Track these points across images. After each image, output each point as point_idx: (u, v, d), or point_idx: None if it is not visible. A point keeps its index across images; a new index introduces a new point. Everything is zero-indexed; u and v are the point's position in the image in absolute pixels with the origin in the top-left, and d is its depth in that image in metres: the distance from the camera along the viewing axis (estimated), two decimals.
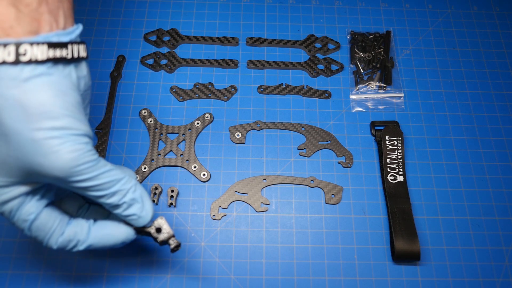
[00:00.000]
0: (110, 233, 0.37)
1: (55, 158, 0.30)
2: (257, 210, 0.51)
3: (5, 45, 0.27)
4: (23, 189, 0.33)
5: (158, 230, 0.39)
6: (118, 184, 0.35)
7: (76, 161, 0.31)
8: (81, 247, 0.37)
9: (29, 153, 0.30)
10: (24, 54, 0.28)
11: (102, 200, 0.35)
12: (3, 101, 0.28)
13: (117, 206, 0.35)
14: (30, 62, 0.28)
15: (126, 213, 0.36)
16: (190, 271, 0.47)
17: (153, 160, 0.53)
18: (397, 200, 0.50)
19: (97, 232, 0.37)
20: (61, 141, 0.30)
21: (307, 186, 0.52)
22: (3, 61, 0.27)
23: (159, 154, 0.53)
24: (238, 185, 0.52)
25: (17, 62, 0.28)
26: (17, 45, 0.28)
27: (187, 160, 0.53)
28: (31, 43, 0.28)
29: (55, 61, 0.30)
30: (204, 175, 0.52)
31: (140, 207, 0.36)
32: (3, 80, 0.28)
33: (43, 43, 0.29)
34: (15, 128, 0.29)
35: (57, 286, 0.46)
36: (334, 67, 0.60)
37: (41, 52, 0.29)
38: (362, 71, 0.60)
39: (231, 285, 0.47)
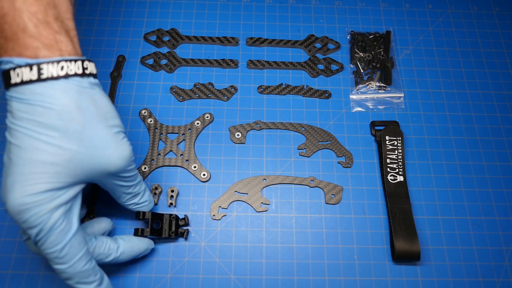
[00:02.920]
0: (135, 243, 0.44)
1: (123, 149, 0.38)
2: (257, 210, 0.51)
3: (75, 61, 0.35)
4: (72, 192, 0.36)
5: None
6: (139, 175, 0.43)
7: (132, 151, 0.39)
8: (111, 258, 0.42)
9: (102, 146, 0.36)
10: (87, 68, 0.36)
11: (132, 190, 0.42)
12: (83, 103, 0.35)
13: (138, 194, 0.43)
14: (90, 74, 0.36)
15: (142, 200, 0.44)
16: (190, 271, 0.47)
17: (153, 160, 0.53)
18: (397, 200, 0.50)
19: (126, 244, 0.43)
20: (124, 135, 0.39)
21: (307, 186, 0.52)
22: (75, 73, 0.35)
23: (159, 154, 0.53)
24: (238, 185, 0.52)
25: (83, 74, 0.36)
26: (82, 61, 0.36)
27: (187, 160, 0.53)
28: (88, 60, 0.37)
29: (96, 75, 0.38)
30: (204, 175, 0.52)
31: (149, 194, 0.46)
32: (79, 87, 0.35)
33: (90, 60, 0.37)
34: (93, 125, 0.35)
35: (57, 286, 0.46)
36: (334, 67, 0.60)
37: (93, 68, 0.37)
38: (362, 71, 0.60)
39: (231, 285, 0.47)
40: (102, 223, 0.45)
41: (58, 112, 0.34)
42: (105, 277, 0.40)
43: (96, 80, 0.37)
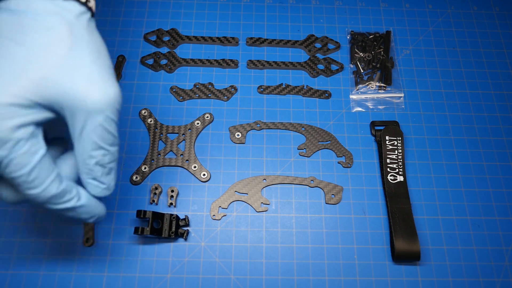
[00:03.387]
0: (94, 205, 0.38)
1: (109, 85, 0.34)
2: (257, 210, 0.51)
3: None
4: (37, 116, 0.32)
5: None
6: (117, 147, 0.38)
7: (120, 97, 0.34)
8: (75, 202, 0.36)
9: (85, 75, 0.33)
10: (89, 1, 0.35)
11: (104, 157, 0.36)
12: (77, 28, 0.34)
13: (110, 170, 0.37)
14: (90, 9, 0.36)
15: (104, 179, 0.37)
16: (190, 271, 0.47)
17: (153, 160, 0.53)
18: (397, 200, 0.50)
19: (89, 199, 0.37)
20: (114, 77, 0.35)
21: (307, 186, 0.52)
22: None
23: (159, 154, 0.53)
24: (238, 185, 0.52)
25: (86, 2, 0.35)
26: None
27: (187, 160, 0.53)
28: None
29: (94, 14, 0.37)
30: (204, 175, 0.52)
31: (113, 179, 0.38)
32: (77, 13, 0.34)
33: None
34: (81, 51, 0.33)
35: (57, 286, 0.46)
36: (334, 67, 0.60)
37: (93, 4, 0.36)
38: (362, 71, 0.60)
39: (231, 285, 0.47)
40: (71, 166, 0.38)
41: (46, 27, 0.32)
42: (82, 191, 0.37)
43: (93, 20, 0.36)
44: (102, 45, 0.35)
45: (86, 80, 0.33)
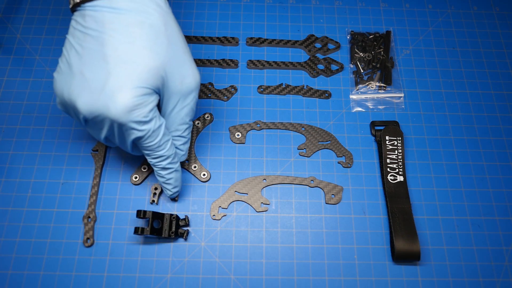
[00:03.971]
0: (179, 177, 0.48)
1: (196, 71, 0.43)
2: (257, 210, 0.51)
3: None
4: (157, 98, 0.41)
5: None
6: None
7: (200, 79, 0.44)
8: (178, 165, 0.47)
9: (182, 62, 0.41)
10: None
11: (184, 133, 0.46)
12: (168, 20, 0.41)
13: (185, 143, 0.48)
14: None
15: (182, 150, 0.48)
16: (190, 271, 0.47)
17: None
18: (397, 200, 0.50)
19: (178, 172, 0.48)
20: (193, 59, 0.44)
21: (307, 186, 0.52)
22: None
23: None
24: (238, 185, 0.52)
25: None
26: None
27: (187, 160, 0.53)
28: None
29: None
30: (204, 175, 0.52)
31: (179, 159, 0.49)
32: (165, 6, 0.41)
33: None
34: (176, 41, 0.41)
35: (57, 286, 0.46)
36: (334, 67, 0.60)
37: None
38: (362, 71, 0.60)
39: (231, 285, 0.47)
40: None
41: (150, 24, 0.39)
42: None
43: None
44: (183, 35, 0.43)
45: (182, 67, 0.41)
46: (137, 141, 0.42)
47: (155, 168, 0.45)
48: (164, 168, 0.45)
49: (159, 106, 0.44)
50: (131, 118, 0.38)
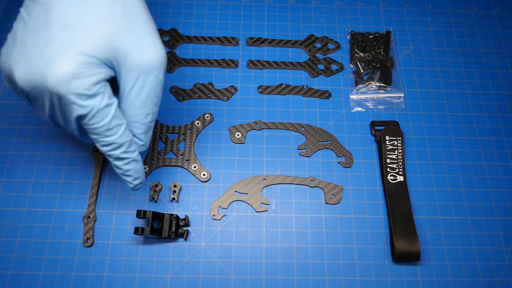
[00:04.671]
0: (140, 167, 0.43)
1: (159, 46, 0.37)
2: (257, 210, 0.51)
3: None
4: (107, 73, 0.35)
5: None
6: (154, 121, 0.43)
7: (166, 59, 0.38)
8: (136, 155, 0.41)
9: (140, 35, 0.36)
10: None
11: (145, 119, 0.40)
12: None
13: (148, 130, 0.42)
14: None
15: (143, 137, 0.42)
16: (190, 271, 0.47)
17: (153, 160, 0.53)
18: (397, 200, 0.50)
19: (140, 162, 0.42)
20: (159, 36, 0.39)
21: (307, 186, 0.52)
22: None
23: (159, 154, 0.53)
24: (238, 185, 0.52)
25: None
26: None
27: (187, 160, 0.53)
28: None
29: None
30: (204, 175, 0.52)
31: (147, 141, 0.43)
32: None
33: None
34: (134, 12, 0.36)
35: (57, 286, 0.46)
36: (334, 67, 0.60)
37: None
38: (362, 71, 0.60)
39: (231, 285, 0.47)
40: None
41: None
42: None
43: None
44: (147, 9, 0.38)
45: (141, 40, 0.36)
46: (81, 121, 0.36)
47: (108, 158, 0.40)
48: (118, 158, 0.40)
49: (115, 87, 0.39)
50: (70, 89, 0.33)
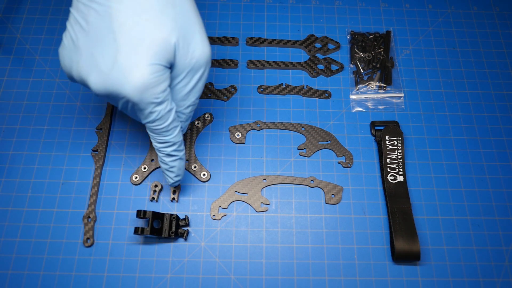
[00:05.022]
0: (183, 166, 0.47)
1: (207, 43, 0.40)
2: (257, 210, 0.51)
3: None
4: (168, 77, 0.39)
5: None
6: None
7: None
8: (183, 154, 0.45)
9: (192, 32, 0.39)
10: None
11: (187, 110, 0.44)
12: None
13: (186, 120, 0.46)
14: None
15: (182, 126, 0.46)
16: (190, 271, 0.47)
17: (153, 160, 0.53)
18: (397, 200, 0.50)
19: (182, 160, 0.46)
20: (206, 33, 0.41)
21: (307, 186, 0.52)
22: None
23: None
24: (238, 185, 0.52)
25: None
26: None
27: (187, 160, 0.53)
28: None
29: None
30: (204, 175, 0.52)
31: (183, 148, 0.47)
32: None
33: None
34: (186, 10, 0.38)
35: (57, 286, 0.46)
36: (334, 67, 0.60)
37: None
38: (362, 71, 0.60)
39: (231, 285, 0.47)
40: None
41: None
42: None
43: None
44: (195, 4, 0.40)
45: (191, 40, 0.38)
46: (144, 121, 0.40)
47: (159, 154, 0.44)
48: (168, 155, 0.44)
49: None
50: (143, 99, 0.37)
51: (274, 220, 0.50)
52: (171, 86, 0.41)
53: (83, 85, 0.39)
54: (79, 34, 0.37)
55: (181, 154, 0.45)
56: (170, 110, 0.40)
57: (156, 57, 0.36)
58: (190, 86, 0.41)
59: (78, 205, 0.50)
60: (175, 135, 0.42)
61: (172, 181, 0.47)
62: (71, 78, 0.40)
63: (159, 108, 0.39)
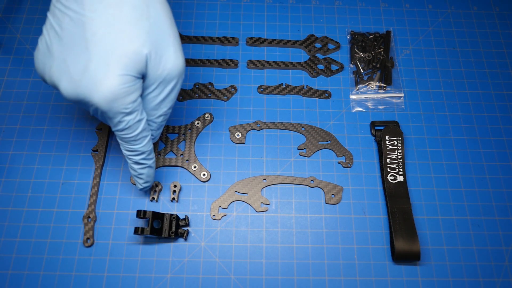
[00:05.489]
0: (152, 173, 0.47)
1: (180, 55, 0.40)
2: (257, 210, 0.51)
3: None
4: (140, 87, 0.39)
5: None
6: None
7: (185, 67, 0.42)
8: (153, 162, 0.46)
9: (165, 44, 0.39)
10: None
11: (162, 110, 0.43)
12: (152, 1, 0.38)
13: (160, 127, 0.46)
14: None
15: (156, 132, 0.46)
16: (190, 271, 0.47)
17: None
18: (397, 200, 0.50)
19: (152, 167, 0.47)
20: (180, 44, 0.42)
21: (307, 186, 0.52)
22: None
23: (159, 154, 0.53)
24: (238, 185, 0.52)
25: None
26: None
27: (187, 160, 0.53)
28: None
29: None
30: (204, 175, 0.52)
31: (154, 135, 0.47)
32: None
33: None
34: (160, 22, 0.38)
35: (57, 286, 0.46)
36: (334, 67, 0.60)
37: None
38: (362, 71, 0.60)
39: (231, 285, 0.47)
40: None
41: (130, 5, 0.37)
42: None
43: None
44: (170, 11, 0.40)
45: (164, 52, 0.39)
46: (113, 129, 0.40)
47: (128, 161, 0.44)
48: (137, 163, 0.44)
49: None
50: (112, 108, 0.37)
51: (274, 220, 0.50)
52: (143, 95, 0.41)
53: (55, 89, 0.39)
54: (53, 39, 0.37)
55: (150, 162, 0.45)
56: (140, 120, 0.40)
57: (127, 68, 0.37)
58: (162, 97, 0.41)
59: (78, 205, 0.50)
60: (144, 145, 0.42)
61: (140, 187, 0.47)
62: (44, 81, 0.40)
63: (128, 118, 0.39)
